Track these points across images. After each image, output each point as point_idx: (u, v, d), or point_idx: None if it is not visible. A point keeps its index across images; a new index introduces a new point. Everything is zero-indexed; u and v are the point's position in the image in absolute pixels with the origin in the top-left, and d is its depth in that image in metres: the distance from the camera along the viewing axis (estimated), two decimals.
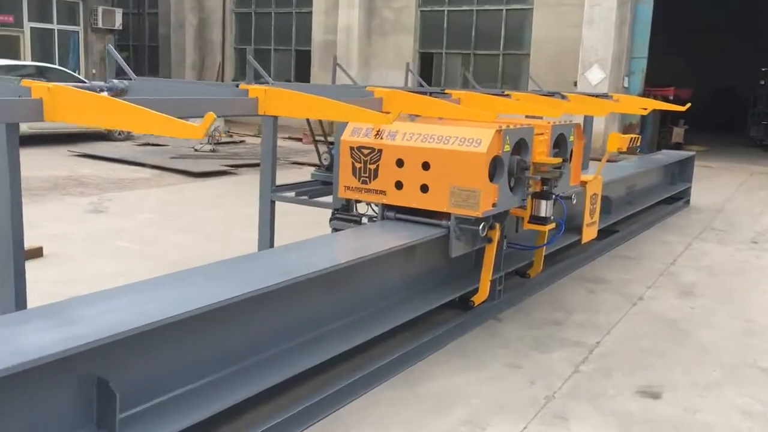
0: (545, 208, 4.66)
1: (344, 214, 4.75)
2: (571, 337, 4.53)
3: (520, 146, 4.39)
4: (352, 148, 4.43)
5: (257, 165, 11.19)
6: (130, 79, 3.91)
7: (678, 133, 16.71)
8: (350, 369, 3.68)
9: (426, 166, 4.18)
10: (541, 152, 4.59)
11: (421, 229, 4.21)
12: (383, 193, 4.35)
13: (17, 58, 18.17)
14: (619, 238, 7.26)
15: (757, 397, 3.81)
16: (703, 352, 4.41)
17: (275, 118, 5.10)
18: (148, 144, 14.29)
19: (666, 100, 13.52)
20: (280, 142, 15.43)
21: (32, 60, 17.97)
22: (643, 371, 4.06)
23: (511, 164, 4.30)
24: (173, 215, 7.87)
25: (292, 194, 5.33)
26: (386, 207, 4.39)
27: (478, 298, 4.53)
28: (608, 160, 6.03)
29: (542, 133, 4.62)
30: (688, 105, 8.32)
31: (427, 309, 4.14)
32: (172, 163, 11.26)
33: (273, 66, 21.28)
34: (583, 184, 5.62)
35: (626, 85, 15.42)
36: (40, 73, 14.45)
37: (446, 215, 4.19)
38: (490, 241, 4.40)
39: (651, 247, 7.14)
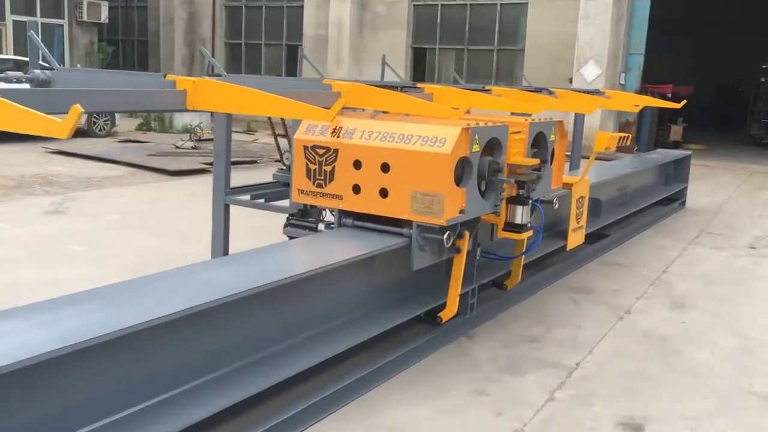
0: (521, 214, 4.22)
1: (299, 220, 4.32)
2: (549, 356, 4.10)
3: (493, 146, 3.95)
4: (306, 148, 3.99)
5: (238, 163, 10.83)
6: (53, 69, 3.55)
7: (676, 131, 16.28)
8: (298, 396, 3.25)
9: (385, 168, 3.74)
10: (516, 153, 4.15)
11: (381, 238, 3.77)
12: (340, 197, 3.91)
13: None
14: (610, 243, 6.82)
15: (752, 428, 3.39)
16: (694, 375, 3.98)
17: (228, 114, 4.68)
18: (128, 141, 13.84)
19: (664, 97, 13.10)
20: (269, 140, 15.07)
21: (15, 54, 17.51)
22: (626, 398, 3.63)
23: (481, 166, 3.85)
24: (139, 216, 7.44)
25: (247, 197, 4.90)
26: (343, 213, 3.95)
27: (446, 314, 4.09)
28: (602, 160, 5.60)
29: (518, 132, 4.18)
30: (684, 102, 7.89)
31: (386, 328, 3.70)
32: (147, 160, 10.81)
33: (264, 61, 20.85)
34: (568, 186, 5.19)
35: (622, 81, 14.97)
36: (19, 67, 14.02)
37: (408, 223, 3.76)
38: (458, 251, 3.97)
39: (643, 253, 6.71)
